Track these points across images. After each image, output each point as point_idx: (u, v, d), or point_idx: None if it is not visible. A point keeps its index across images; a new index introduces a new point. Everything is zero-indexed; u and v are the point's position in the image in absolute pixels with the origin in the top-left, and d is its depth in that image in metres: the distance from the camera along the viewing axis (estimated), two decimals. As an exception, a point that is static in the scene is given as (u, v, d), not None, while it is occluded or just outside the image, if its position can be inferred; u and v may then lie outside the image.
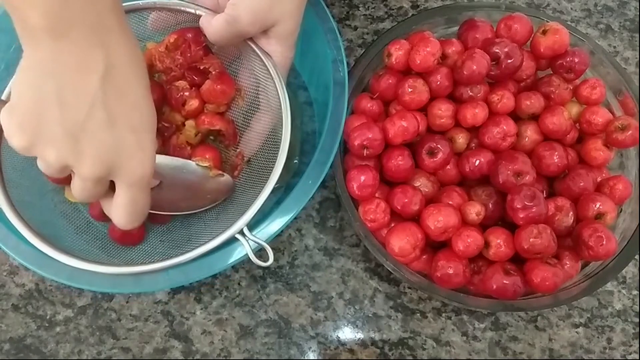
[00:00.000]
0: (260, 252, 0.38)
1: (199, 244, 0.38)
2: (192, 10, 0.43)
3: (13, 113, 0.31)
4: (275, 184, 0.39)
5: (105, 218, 0.43)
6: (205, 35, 0.42)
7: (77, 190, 0.34)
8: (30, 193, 0.42)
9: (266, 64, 0.42)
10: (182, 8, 0.43)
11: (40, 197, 0.44)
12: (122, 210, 0.35)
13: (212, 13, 0.42)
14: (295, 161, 0.52)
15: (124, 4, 0.42)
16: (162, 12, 0.44)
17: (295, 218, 0.41)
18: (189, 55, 0.43)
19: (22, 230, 0.38)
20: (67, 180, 0.43)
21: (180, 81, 0.44)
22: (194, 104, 0.44)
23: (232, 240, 0.38)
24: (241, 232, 0.38)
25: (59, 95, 0.30)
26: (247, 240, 0.37)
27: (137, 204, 0.35)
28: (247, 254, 0.38)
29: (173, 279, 0.39)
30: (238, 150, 0.46)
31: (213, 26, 0.40)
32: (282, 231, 0.40)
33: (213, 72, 0.43)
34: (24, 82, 0.31)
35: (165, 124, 0.45)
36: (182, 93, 0.44)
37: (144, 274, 0.38)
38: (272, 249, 0.38)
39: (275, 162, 0.40)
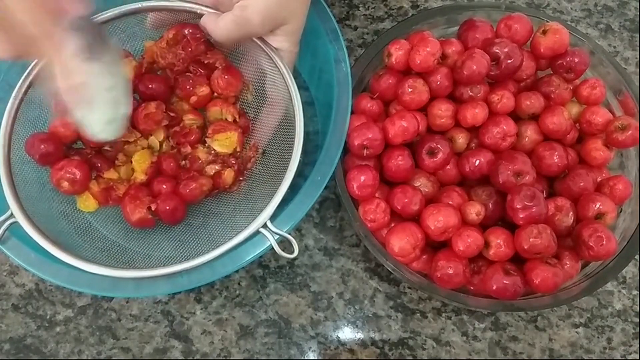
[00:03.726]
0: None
1: (222, 241, 0.38)
2: (196, 10, 0.42)
3: None
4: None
5: (145, 224, 0.43)
6: (207, 34, 0.42)
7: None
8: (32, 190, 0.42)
9: (274, 59, 0.42)
10: (184, 8, 0.43)
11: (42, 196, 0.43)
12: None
13: (215, 12, 0.41)
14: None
15: (124, 7, 0.42)
16: (162, 12, 0.44)
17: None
18: (190, 49, 0.43)
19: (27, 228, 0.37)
20: (80, 189, 0.43)
21: (188, 73, 0.45)
22: (205, 90, 0.45)
23: (254, 235, 0.38)
24: (264, 226, 0.38)
25: None
26: (270, 234, 0.38)
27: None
28: (269, 247, 0.38)
29: (198, 277, 0.38)
30: (252, 142, 0.46)
31: (220, 27, 0.40)
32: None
33: (219, 67, 0.44)
34: None
35: (171, 114, 0.46)
36: (192, 79, 0.45)
37: (178, 274, 0.38)
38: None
39: (289, 153, 0.40)
